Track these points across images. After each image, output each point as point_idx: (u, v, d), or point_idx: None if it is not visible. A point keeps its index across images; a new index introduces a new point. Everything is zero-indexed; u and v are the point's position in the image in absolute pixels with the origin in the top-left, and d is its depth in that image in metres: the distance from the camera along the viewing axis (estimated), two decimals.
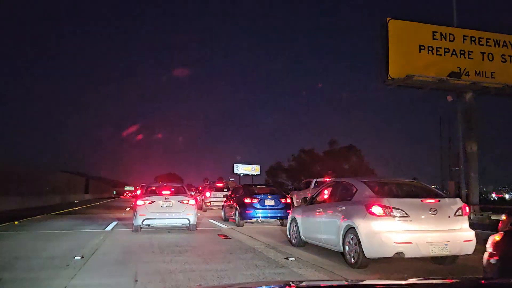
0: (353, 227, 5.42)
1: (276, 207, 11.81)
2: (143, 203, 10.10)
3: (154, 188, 12.25)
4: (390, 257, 5.24)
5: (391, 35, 12.30)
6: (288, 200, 12.09)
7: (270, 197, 11.89)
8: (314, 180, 18.74)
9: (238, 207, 12.07)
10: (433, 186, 8.31)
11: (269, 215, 11.72)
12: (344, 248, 5.68)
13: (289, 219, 8.12)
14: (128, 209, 20.12)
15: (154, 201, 10.08)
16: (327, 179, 20.08)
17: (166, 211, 10.01)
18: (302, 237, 7.41)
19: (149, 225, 10.14)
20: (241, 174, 47.27)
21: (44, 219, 14.03)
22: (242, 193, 12.51)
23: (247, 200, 11.75)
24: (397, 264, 5.68)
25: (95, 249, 7.16)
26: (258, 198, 11.78)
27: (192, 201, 10.55)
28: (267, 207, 11.77)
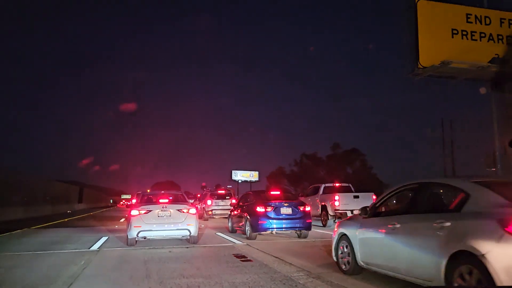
0: (473, 255, 3.37)
1: (293, 217, 10.16)
2: (138, 213, 8.96)
3: (150, 196, 10.98)
4: None
5: (420, 18, 10.77)
6: (308, 208, 10.44)
7: (286, 204, 10.24)
8: (323, 185, 17.17)
9: (249, 217, 10.41)
10: None
11: (286, 226, 10.06)
12: (449, 284, 3.59)
13: (335, 237, 6.00)
14: (122, 219, 18.36)
15: (151, 211, 9.00)
16: (336, 184, 18.57)
17: (164, 222, 8.94)
18: (360, 263, 5.34)
19: (145, 238, 8.99)
20: (240, 181, 47.19)
21: (22, 235, 12.21)
22: (253, 200, 10.86)
23: (260, 209, 10.10)
24: None
25: None
26: (272, 207, 10.13)
27: (193, 210, 9.37)
28: (283, 216, 10.13)
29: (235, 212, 12.08)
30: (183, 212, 9.14)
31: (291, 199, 10.98)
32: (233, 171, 47.11)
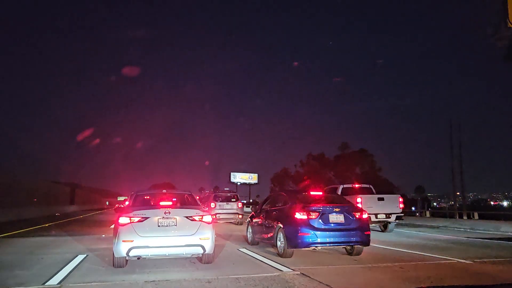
0: None
1: (347, 227, 7.31)
2: (129, 221, 6.13)
3: (147, 196, 7.98)
4: None
5: None
6: (365, 215, 7.58)
7: (337, 210, 7.36)
8: (341, 186, 14.84)
9: (282, 226, 7.56)
10: None
11: (336, 239, 7.19)
12: None
13: None
14: (113, 225, 15.31)
15: (147, 218, 6.20)
16: (356, 185, 16.10)
17: (167, 234, 6.18)
18: None
19: (139, 257, 6.31)
20: (238, 183, 45.94)
21: None
22: (288, 203, 7.98)
23: (301, 215, 7.23)
24: None
25: None
26: (318, 212, 7.26)
27: (208, 218, 6.56)
28: (333, 226, 7.27)
29: (259, 219, 9.21)
30: (194, 220, 6.37)
31: (342, 202, 8.11)
32: (231, 173, 46.01)
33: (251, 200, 44.47)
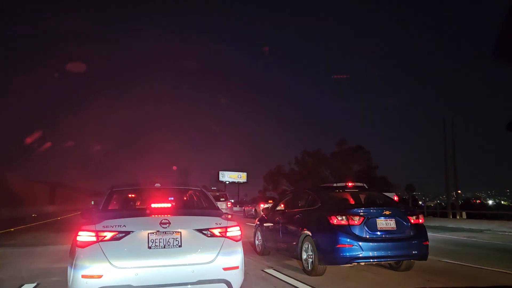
0: None
1: (401, 236, 5.44)
2: (95, 238, 3.48)
3: (131, 194, 5.51)
4: None
5: None
6: (421, 220, 5.71)
7: (387, 212, 5.46)
8: (335, 185, 13.15)
9: (311, 234, 5.65)
10: None
11: (387, 252, 5.32)
12: None
13: None
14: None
15: (129, 233, 3.52)
16: (350, 184, 14.55)
17: (164, 262, 3.51)
18: None
19: None
20: (227, 182, 45.03)
21: None
22: (316, 203, 6.06)
23: (340, 220, 5.33)
24: None
25: None
26: (362, 217, 5.37)
27: (236, 231, 3.87)
28: (381, 235, 5.38)
29: (272, 224, 7.27)
30: (214, 235, 3.74)
31: (391, 203, 6.21)
32: (220, 172, 44.97)
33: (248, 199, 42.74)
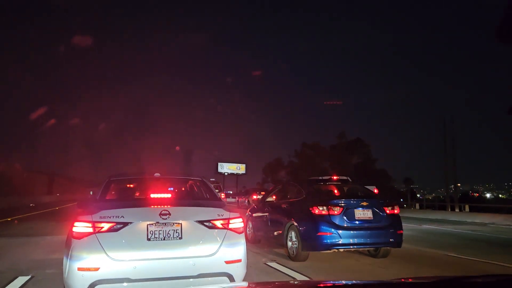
0: None
1: (377, 225, 5.91)
2: (91, 229, 3.39)
3: (130, 184, 5.45)
4: None
5: None
6: (396, 211, 6.17)
7: (364, 204, 5.93)
8: (320, 178, 13.43)
9: (296, 224, 6.11)
10: None
11: (363, 240, 5.79)
12: None
13: None
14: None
15: (127, 224, 3.43)
16: (334, 177, 14.86)
17: (163, 255, 3.44)
18: None
19: None
20: (226, 173, 44.79)
21: None
22: (301, 194, 6.53)
23: (321, 210, 5.79)
24: None
25: None
26: (341, 207, 5.83)
27: (238, 223, 3.77)
28: (359, 224, 5.85)
29: (262, 213, 7.75)
30: (215, 227, 3.66)
31: (369, 194, 6.68)
32: (219, 164, 44.59)
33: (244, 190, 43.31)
